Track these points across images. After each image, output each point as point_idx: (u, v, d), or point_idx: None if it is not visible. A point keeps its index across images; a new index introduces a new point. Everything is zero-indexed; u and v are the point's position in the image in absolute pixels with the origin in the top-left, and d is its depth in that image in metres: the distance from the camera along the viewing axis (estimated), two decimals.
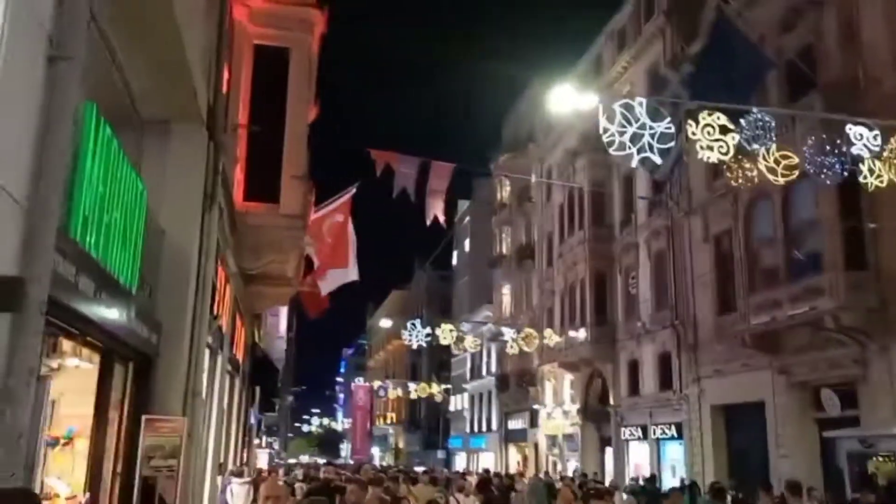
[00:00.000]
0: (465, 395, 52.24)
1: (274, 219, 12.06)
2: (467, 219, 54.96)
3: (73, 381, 6.72)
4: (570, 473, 29.89)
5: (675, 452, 26.23)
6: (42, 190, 3.09)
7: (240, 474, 14.78)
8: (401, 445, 69.33)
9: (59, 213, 3.64)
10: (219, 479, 13.41)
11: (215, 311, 9.93)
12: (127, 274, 6.46)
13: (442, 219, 13.79)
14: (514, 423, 42.64)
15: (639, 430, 28.00)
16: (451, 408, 56.15)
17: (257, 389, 23.87)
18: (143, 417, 7.34)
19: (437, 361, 60.80)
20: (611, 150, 9.51)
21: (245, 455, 21.94)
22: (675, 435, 25.58)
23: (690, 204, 24.78)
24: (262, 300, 15.85)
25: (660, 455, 26.91)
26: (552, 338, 27.13)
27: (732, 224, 21.80)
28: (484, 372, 47.84)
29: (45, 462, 5.72)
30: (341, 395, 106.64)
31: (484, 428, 48.17)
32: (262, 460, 29.11)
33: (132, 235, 6.43)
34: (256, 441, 27.23)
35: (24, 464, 3.31)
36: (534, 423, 39.35)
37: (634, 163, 9.66)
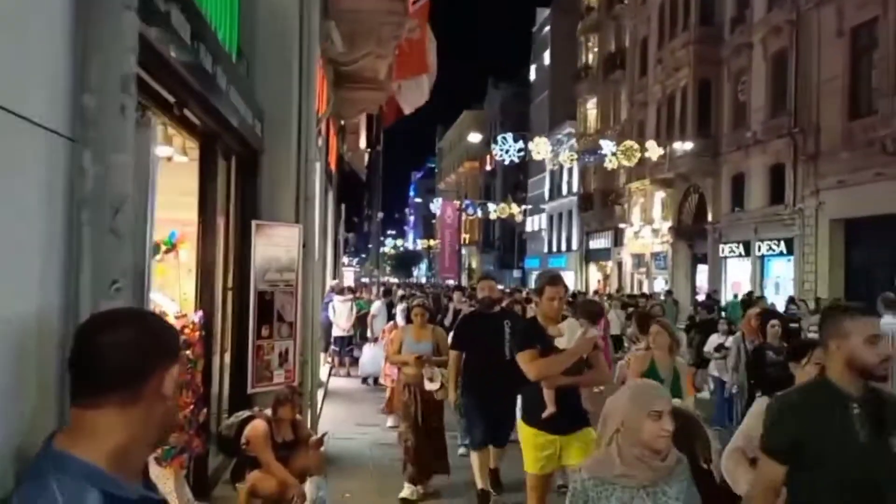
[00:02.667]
0: (543, 215, 51.17)
1: (373, 2, 10.24)
2: (546, 28, 51.05)
3: (170, 179, 5.42)
4: (657, 290, 28.99)
5: (781, 269, 24.75)
6: None
7: (341, 291, 14.04)
8: (475, 265, 69.98)
9: None
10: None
11: (319, 107, 8.45)
12: (225, 30, 4.94)
13: None
14: (596, 243, 41.62)
15: (740, 246, 26.43)
16: (528, 228, 55.41)
17: (343, 206, 23.04)
18: (254, 223, 6.12)
19: (512, 182, 59.39)
20: None
21: (336, 273, 21.49)
22: (784, 251, 23.95)
23: None
24: (350, 106, 14.28)
25: (763, 272, 25.49)
26: (654, 150, 25.03)
27: (879, 12, 18.70)
28: (564, 191, 46.31)
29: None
30: (412, 218, 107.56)
31: (563, 248, 47.44)
32: (347, 279, 29.02)
33: None
34: (343, 260, 26.91)
35: (133, 264, 2.03)
36: (618, 241, 38.18)
37: None
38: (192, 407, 4.64)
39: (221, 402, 6.01)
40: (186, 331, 4.73)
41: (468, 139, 55.53)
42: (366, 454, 7.89)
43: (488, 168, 60.63)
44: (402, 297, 13.39)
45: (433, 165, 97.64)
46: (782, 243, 23.99)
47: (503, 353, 5.97)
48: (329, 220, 15.43)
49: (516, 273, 57.34)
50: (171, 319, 4.71)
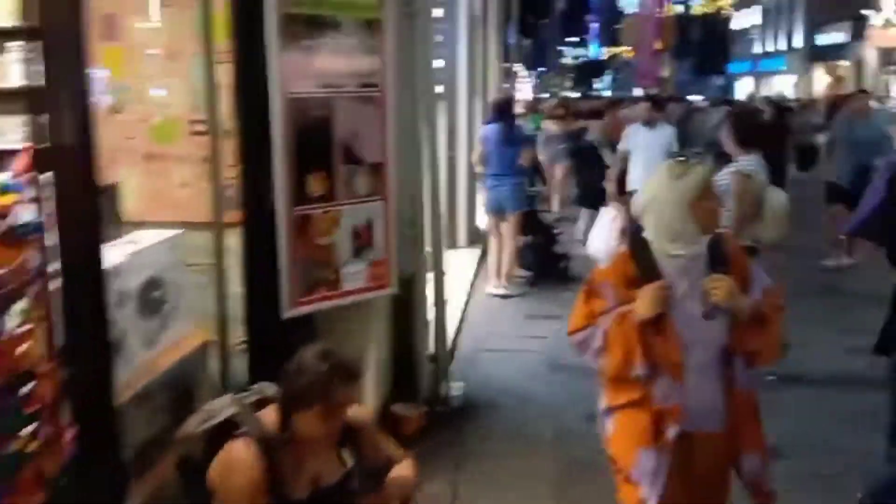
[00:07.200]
0: (755, 8, 42.82)
1: None
2: None
3: None
4: None
5: None
6: None
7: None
8: (666, 74, 62.27)
9: None
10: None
11: None
12: None
13: None
14: (827, 38, 33.86)
15: None
16: (734, 27, 47.10)
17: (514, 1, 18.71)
18: None
19: None
20: None
21: (506, 85, 17.68)
22: None
23: None
24: None
25: None
26: None
27: None
28: None
29: None
30: (594, 26, 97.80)
31: (780, 47, 39.60)
32: (524, 93, 25.18)
33: None
34: (516, 69, 22.95)
35: None
36: (858, 34, 30.55)
37: None
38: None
39: (227, 341, 2.91)
40: None
41: None
42: (539, 392, 4.45)
43: None
44: None
45: None
46: None
47: None
48: (491, 11, 11.51)
49: (718, 81, 49.84)
50: None
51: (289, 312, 2.87)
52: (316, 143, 2.91)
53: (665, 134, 6.65)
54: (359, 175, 3.07)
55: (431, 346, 4.01)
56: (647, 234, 2.25)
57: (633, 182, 6.34)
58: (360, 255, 3.10)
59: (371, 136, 3.09)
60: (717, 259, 2.20)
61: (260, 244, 2.83)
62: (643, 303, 2.13)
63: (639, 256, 2.23)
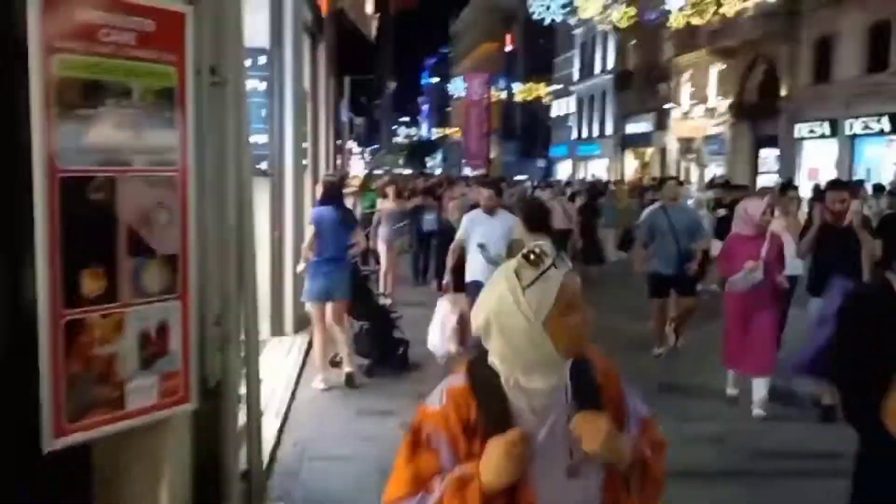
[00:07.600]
0: (572, 98, 46.16)
1: None
2: None
3: None
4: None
5: (876, 153, 20.48)
6: None
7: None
8: (493, 155, 65.37)
9: None
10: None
11: None
12: None
13: None
14: (635, 127, 37.00)
15: (824, 125, 22.04)
16: (554, 114, 50.46)
17: (346, 81, 18.81)
18: None
19: (537, 63, 53.95)
20: None
21: (339, 162, 17.52)
22: (886, 129, 19.62)
23: None
24: None
25: (853, 156, 21.21)
26: (734, 5, 20.21)
27: None
28: (598, 70, 41.20)
29: None
30: (425, 107, 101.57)
31: (595, 134, 42.78)
32: (356, 169, 25.18)
33: None
34: (349, 146, 22.90)
35: None
36: (661, 125, 33.64)
37: None
38: None
39: None
40: None
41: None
42: None
43: (508, 48, 55.01)
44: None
45: (447, 51, 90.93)
46: (884, 120, 19.62)
47: None
48: (320, 91, 11.31)
49: (540, 163, 52.85)
50: None
51: (53, 444, 2.28)
52: (94, 231, 2.40)
53: (506, 221, 6.21)
54: (149, 269, 2.57)
55: (245, 461, 3.48)
56: (493, 360, 1.64)
57: (471, 272, 6.14)
58: (150, 366, 2.57)
59: (166, 222, 2.62)
60: (584, 389, 1.65)
61: (15, 357, 2.25)
62: (492, 464, 1.52)
63: (482, 394, 1.63)
